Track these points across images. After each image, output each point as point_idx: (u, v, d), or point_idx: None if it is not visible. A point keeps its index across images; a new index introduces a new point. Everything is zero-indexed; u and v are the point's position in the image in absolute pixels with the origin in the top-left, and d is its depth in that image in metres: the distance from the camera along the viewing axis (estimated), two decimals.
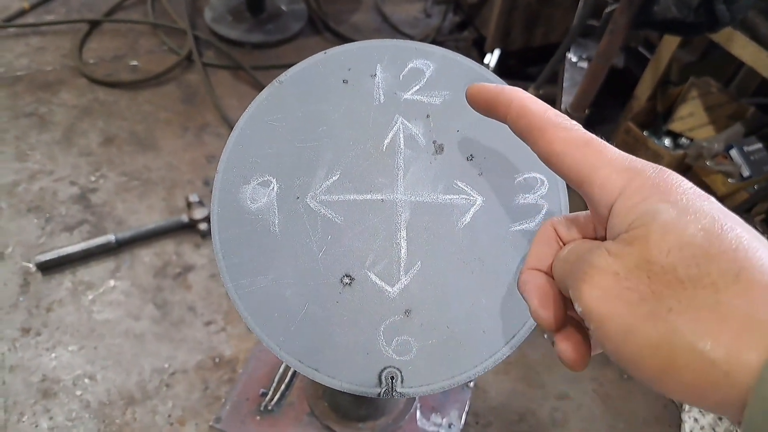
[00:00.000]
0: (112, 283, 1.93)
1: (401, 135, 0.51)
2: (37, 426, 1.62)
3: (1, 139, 2.25)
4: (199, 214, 2.04)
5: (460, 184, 0.51)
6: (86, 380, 1.73)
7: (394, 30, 3.07)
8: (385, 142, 0.52)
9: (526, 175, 0.51)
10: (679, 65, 2.19)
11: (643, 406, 1.89)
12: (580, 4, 2.00)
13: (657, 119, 2.14)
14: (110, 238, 1.96)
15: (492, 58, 1.94)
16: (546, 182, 0.50)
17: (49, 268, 1.91)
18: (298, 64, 0.52)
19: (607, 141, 0.34)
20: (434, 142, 0.51)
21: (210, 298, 1.95)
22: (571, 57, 2.05)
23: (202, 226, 2.04)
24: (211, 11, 2.91)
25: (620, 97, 2.28)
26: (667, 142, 2.10)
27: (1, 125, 2.30)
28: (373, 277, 0.49)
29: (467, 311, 0.48)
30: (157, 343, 1.83)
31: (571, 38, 1.78)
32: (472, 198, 0.50)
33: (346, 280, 0.49)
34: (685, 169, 2.00)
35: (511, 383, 1.86)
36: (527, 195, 0.50)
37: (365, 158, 0.51)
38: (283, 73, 0.52)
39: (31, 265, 1.92)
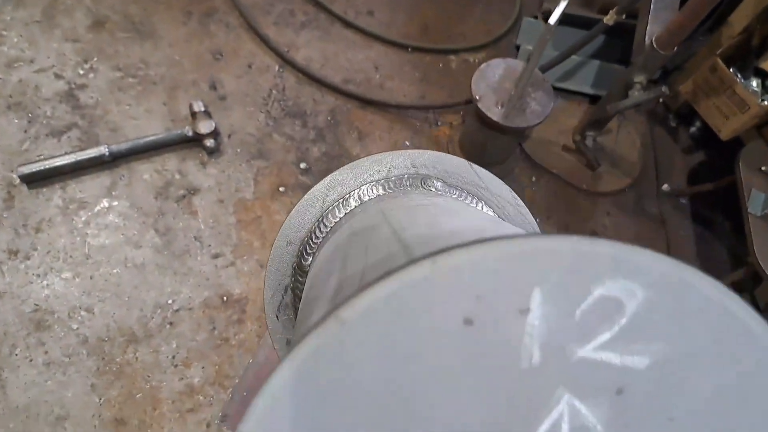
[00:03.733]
0: (106, 203, 1.71)
1: (565, 426, 0.27)
2: (31, 360, 1.50)
3: None
4: (204, 128, 1.76)
5: None
6: (83, 313, 1.58)
7: None
8: None
9: None
10: None
11: None
12: None
13: (749, 55, 1.78)
14: (103, 150, 1.70)
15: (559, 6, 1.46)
16: None
17: (35, 181, 1.68)
18: (380, 284, 0.25)
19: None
20: None
21: (218, 227, 1.74)
22: None
23: (209, 143, 1.77)
24: None
25: (705, 21, 1.89)
26: (754, 83, 1.75)
27: None
28: None
29: None
30: (159, 275, 1.66)
31: None
32: None
33: None
34: None
35: None
36: None
37: None
38: (348, 302, 0.25)
39: (14, 176, 1.68)
